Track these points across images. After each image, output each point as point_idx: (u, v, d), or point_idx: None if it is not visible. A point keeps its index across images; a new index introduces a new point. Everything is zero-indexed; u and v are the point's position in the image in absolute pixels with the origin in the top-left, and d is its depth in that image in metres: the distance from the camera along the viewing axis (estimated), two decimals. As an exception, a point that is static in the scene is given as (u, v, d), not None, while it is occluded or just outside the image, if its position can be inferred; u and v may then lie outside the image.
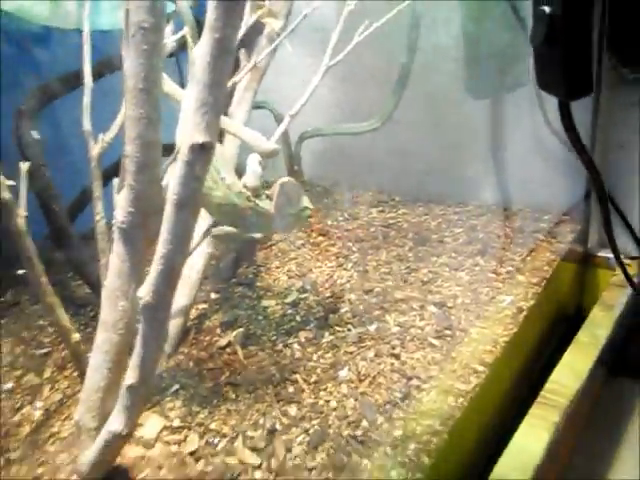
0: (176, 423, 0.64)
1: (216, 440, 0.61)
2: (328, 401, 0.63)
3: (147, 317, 0.46)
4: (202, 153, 0.38)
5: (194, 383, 0.70)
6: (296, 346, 0.73)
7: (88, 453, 0.58)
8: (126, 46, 0.51)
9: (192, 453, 0.60)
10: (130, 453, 0.62)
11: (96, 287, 0.83)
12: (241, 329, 0.77)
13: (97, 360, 0.62)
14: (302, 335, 0.75)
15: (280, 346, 0.74)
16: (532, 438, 0.58)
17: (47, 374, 0.80)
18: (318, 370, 0.68)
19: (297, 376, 0.68)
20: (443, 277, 0.80)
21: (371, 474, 0.54)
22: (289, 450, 0.58)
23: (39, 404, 0.73)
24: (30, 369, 0.82)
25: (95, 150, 0.69)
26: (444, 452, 0.55)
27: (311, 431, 0.60)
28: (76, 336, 0.69)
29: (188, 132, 0.38)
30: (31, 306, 1.01)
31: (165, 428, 0.64)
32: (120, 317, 0.60)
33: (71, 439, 0.65)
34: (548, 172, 0.86)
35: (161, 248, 0.43)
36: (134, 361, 0.49)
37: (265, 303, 0.82)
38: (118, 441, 0.53)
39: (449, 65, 0.82)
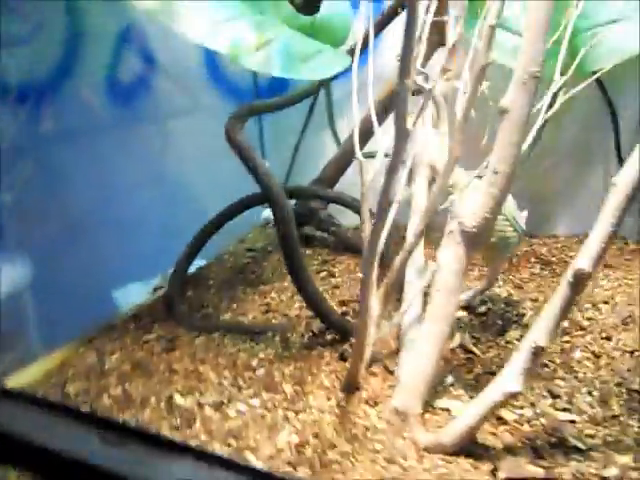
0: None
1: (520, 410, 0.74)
2: (585, 373, 0.80)
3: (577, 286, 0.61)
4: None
5: (459, 375, 0.82)
6: (513, 341, 0.89)
7: (460, 422, 0.67)
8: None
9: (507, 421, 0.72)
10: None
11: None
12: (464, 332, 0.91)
13: (425, 350, 0.73)
14: (510, 335, 0.91)
15: (500, 342, 0.89)
16: None
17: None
18: (553, 356, 0.85)
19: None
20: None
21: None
22: (590, 406, 0.74)
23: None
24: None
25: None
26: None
27: (593, 392, 0.76)
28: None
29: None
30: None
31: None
32: (451, 311, 0.73)
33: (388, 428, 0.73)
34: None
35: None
36: (547, 326, 0.62)
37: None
38: (506, 401, 0.64)
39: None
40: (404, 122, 0.58)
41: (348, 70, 0.87)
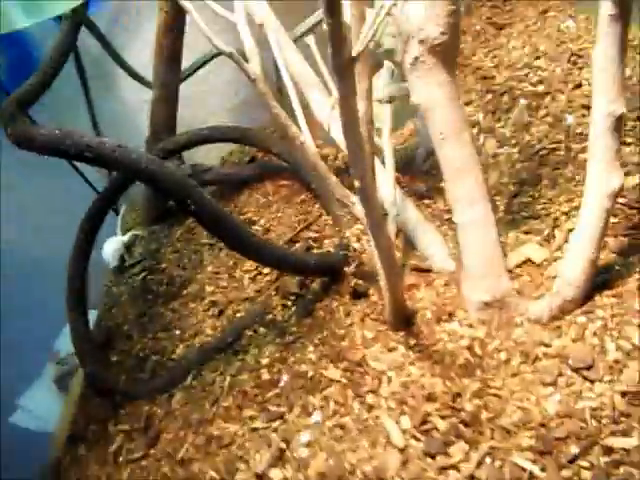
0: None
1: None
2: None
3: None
4: None
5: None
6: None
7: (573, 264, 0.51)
8: None
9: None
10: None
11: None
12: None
13: (478, 218, 0.55)
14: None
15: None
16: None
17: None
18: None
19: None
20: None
21: None
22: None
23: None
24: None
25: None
26: None
27: None
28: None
29: None
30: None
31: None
32: (478, 169, 0.54)
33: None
34: None
35: None
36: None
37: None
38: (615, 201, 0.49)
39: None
40: None
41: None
